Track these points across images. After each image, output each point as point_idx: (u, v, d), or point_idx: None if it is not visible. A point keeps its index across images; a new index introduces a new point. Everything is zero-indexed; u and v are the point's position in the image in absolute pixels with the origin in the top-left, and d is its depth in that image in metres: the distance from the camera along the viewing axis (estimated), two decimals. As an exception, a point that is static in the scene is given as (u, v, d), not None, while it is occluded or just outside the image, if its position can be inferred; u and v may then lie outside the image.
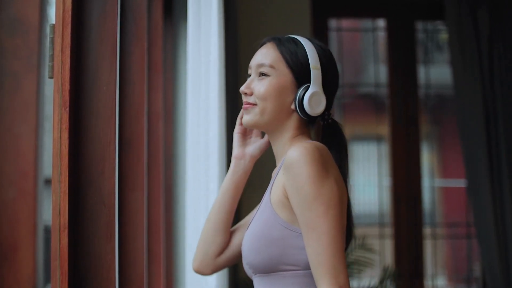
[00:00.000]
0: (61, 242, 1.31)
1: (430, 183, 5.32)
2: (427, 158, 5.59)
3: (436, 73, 4.44)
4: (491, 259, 3.40)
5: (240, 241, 1.63)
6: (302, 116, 1.50)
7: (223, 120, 2.15)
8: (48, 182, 1.29)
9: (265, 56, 1.53)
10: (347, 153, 1.56)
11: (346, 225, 1.43)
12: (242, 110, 1.59)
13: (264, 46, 1.57)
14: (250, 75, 1.57)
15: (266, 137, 1.65)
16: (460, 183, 4.81)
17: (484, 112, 3.46)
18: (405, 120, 3.82)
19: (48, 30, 1.35)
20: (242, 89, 1.54)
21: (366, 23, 4.71)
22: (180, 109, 2.82)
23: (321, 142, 1.54)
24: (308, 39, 1.56)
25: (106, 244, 1.41)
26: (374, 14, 4.14)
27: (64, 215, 1.31)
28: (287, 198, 1.41)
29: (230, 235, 1.65)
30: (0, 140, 1.16)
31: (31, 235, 1.13)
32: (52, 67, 1.36)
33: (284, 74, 1.51)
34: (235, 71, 3.11)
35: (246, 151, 1.65)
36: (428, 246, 4.14)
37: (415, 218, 3.78)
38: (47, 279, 1.37)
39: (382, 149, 4.46)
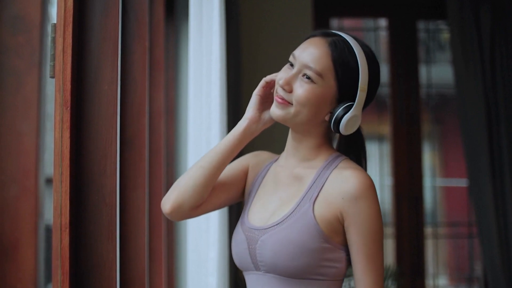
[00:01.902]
0: (62, 242, 1.31)
1: (432, 182, 5.31)
2: (428, 158, 5.58)
3: (437, 72, 4.44)
4: (493, 258, 3.39)
5: (218, 200, 1.60)
6: (333, 130, 1.49)
7: (225, 118, 2.15)
8: (49, 181, 1.29)
9: (316, 60, 1.44)
10: (365, 155, 1.57)
11: None
12: (273, 92, 1.53)
13: (317, 44, 1.47)
14: (291, 64, 1.49)
15: None
16: (461, 182, 4.81)
17: (486, 111, 3.46)
18: (406, 120, 3.82)
19: (49, 29, 1.35)
20: (282, 84, 1.46)
21: (368, 22, 4.70)
22: (181, 107, 2.82)
23: (340, 142, 1.56)
24: (362, 47, 1.48)
25: (108, 243, 1.41)
26: (375, 14, 4.14)
27: (65, 214, 1.31)
28: (340, 223, 1.43)
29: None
30: (2, 137, 1.16)
31: (32, 233, 1.13)
32: (53, 67, 1.36)
33: (329, 86, 1.45)
34: (237, 70, 3.11)
35: (262, 116, 1.57)
36: (429, 246, 4.13)
37: (416, 217, 3.78)
38: (48, 278, 1.37)
39: (383, 149, 4.45)
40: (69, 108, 1.34)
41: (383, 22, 4.27)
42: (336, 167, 1.48)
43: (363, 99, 1.47)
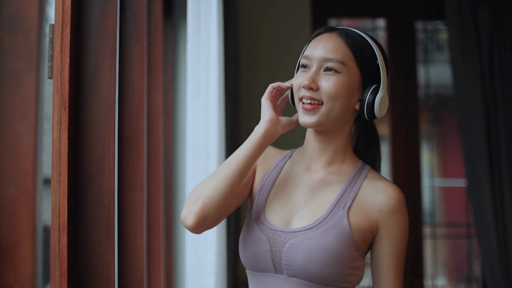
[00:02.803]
0: (60, 242, 1.31)
1: (430, 182, 5.31)
2: (427, 158, 5.58)
3: (436, 72, 4.44)
4: (491, 259, 3.39)
5: (234, 204, 1.53)
6: (366, 117, 1.47)
7: (223, 119, 2.15)
8: (47, 182, 1.29)
9: (334, 50, 1.44)
10: (380, 151, 1.58)
11: None
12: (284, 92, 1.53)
13: (328, 38, 1.47)
14: (304, 66, 1.47)
15: (296, 116, 1.54)
16: (460, 182, 4.81)
17: (484, 111, 3.46)
18: (405, 120, 3.82)
19: (47, 29, 1.35)
20: (308, 83, 1.43)
21: (366, 23, 4.70)
22: (180, 108, 2.82)
23: (358, 139, 1.56)
24: (367, 34, 1.50)
25: (106, 243, 1.41)
26: (374, 14, 4.14)
27: (63, 215, 1.31)
28: (372, 233, 1.45)
29: None
30: (0, 138, 1.16)
31: (30, 234, 1.12)
32: (51, 67, 1.35)
33: (353, 73, 1.44)
34: (235, 70, 3.11)
35: (280, 118, 1.51)
36: (428, 246, 4.13)
37: (415, 217, 3.78)
38: (46, 279, 1.37)
39: (382, 149, 4.46)
40: (67, 109, 1.33)
41: (381, 23, 4.27)
42: (366, 176, 1.49)
43: (385, 77, 1.47)
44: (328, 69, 1.43)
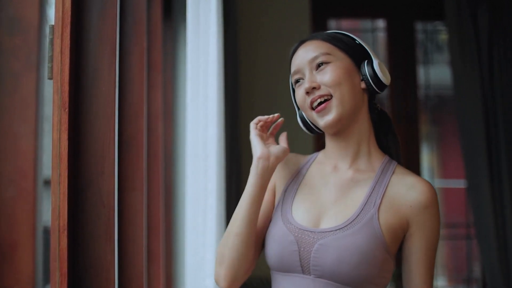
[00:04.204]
0: (60, 244, 1.31)
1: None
2: (426, 159, 5.59)
3: (435, 73, 4.44)
4: (491, 260, 3.39)
5: (263, 235, 1.52)
6: (376, 89, 1.50)
7: (222, 120, 2.15)
8: (47, 183, 1.29)
9: (315, 49, 1.50)
10: (399, 142, 1.60)
11: None
12: (256, 121, 1.55)
13: (305, 45, 1.53)
14: (298, 80, 1.52)
15: (284, 140, 1.57)
16: (459, 183, 4.81)
17: (484, 112, 3.46)
18: (404, 120, 3.82)
19: (47, 30, 1.35)
20: (309, 85, 1.47)
21: (366, 23, 4.70)
22: (179, 109, 2.82)
23: (376, 132, 1.58)
24: None
25: (106, 244, 1.40)
26: (374, 15, 4.14)
27: (63, 216, 1.31)
28: (403, 231, 1.44)
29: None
30: (0, 139, 1.16)
31: (30, 235, 1.12)
32: (51, 68, 1.35)
33: (342, 57, 1.50)
34: (234, 71, 3.11)
35: (271, 151, 1.51)
36: (427, 247, 4.12)
37: (414, 218, 3.77)
38: (46, 280, 1.37)
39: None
40: (67, 110, 1.33)
41: (381, 23, 4.27)
42: (393, 172, 1.49)
43: (371, 49, 1.53)
44: (319, 66, 1.49)
